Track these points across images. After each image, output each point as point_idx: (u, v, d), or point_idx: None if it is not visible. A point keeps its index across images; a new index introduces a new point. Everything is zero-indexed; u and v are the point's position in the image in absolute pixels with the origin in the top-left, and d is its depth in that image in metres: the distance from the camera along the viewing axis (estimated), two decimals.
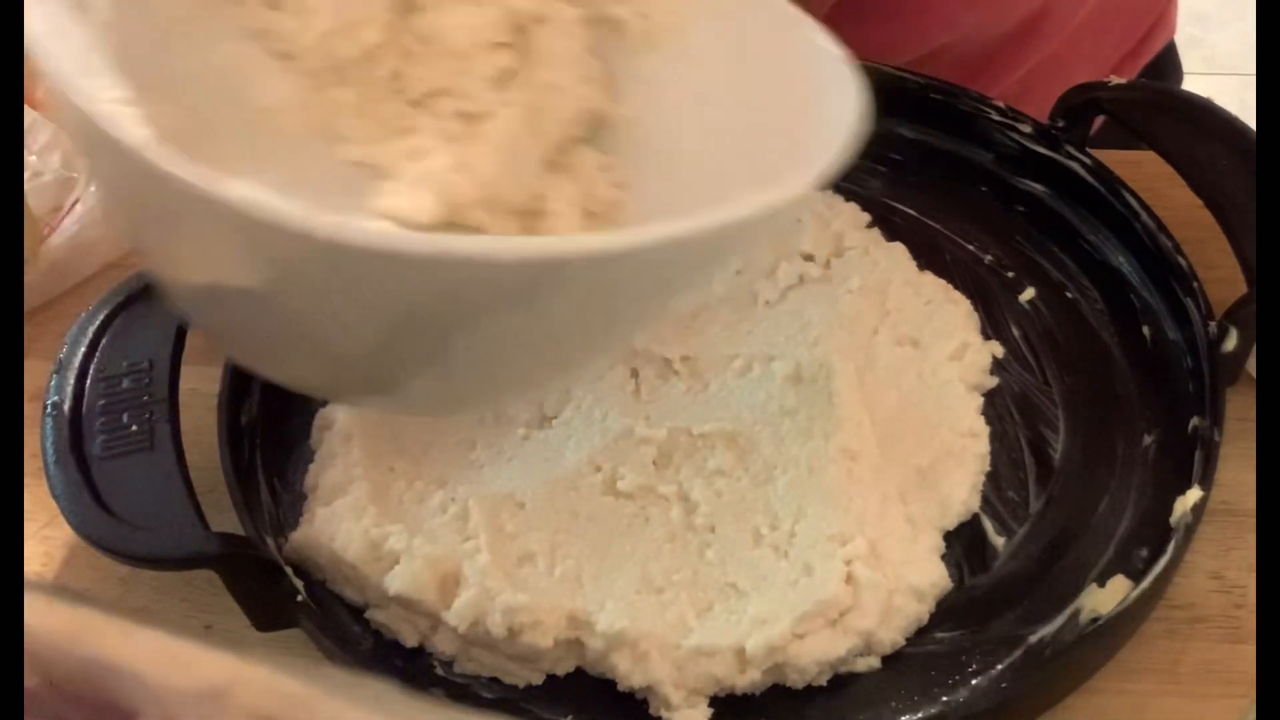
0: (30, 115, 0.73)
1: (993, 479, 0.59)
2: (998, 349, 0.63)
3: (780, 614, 0.52)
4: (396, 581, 0.54)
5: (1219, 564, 0.56)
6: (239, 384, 0.61)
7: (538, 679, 0.54)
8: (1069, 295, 0.65)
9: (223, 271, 0.40)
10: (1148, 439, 0.60)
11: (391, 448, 0.59)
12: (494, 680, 0.54)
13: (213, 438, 0.58)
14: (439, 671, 0.55)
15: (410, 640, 0.55)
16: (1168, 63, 0.89)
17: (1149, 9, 0.85)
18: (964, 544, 0.57)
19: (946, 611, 0.55)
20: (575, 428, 0.59)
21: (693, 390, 0.60)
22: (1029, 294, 0.66)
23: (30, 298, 0.67)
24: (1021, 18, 0.79)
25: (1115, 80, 0.66)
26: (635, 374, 0.61)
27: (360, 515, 0.56)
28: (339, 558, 0.55)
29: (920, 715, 0.51)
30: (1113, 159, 0.66)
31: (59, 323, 0.61)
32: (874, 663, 0.53)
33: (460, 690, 0.54)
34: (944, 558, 0.56)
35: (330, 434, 0.60)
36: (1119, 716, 0.52)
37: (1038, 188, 0.67)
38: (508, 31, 0.50)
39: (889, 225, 0.67)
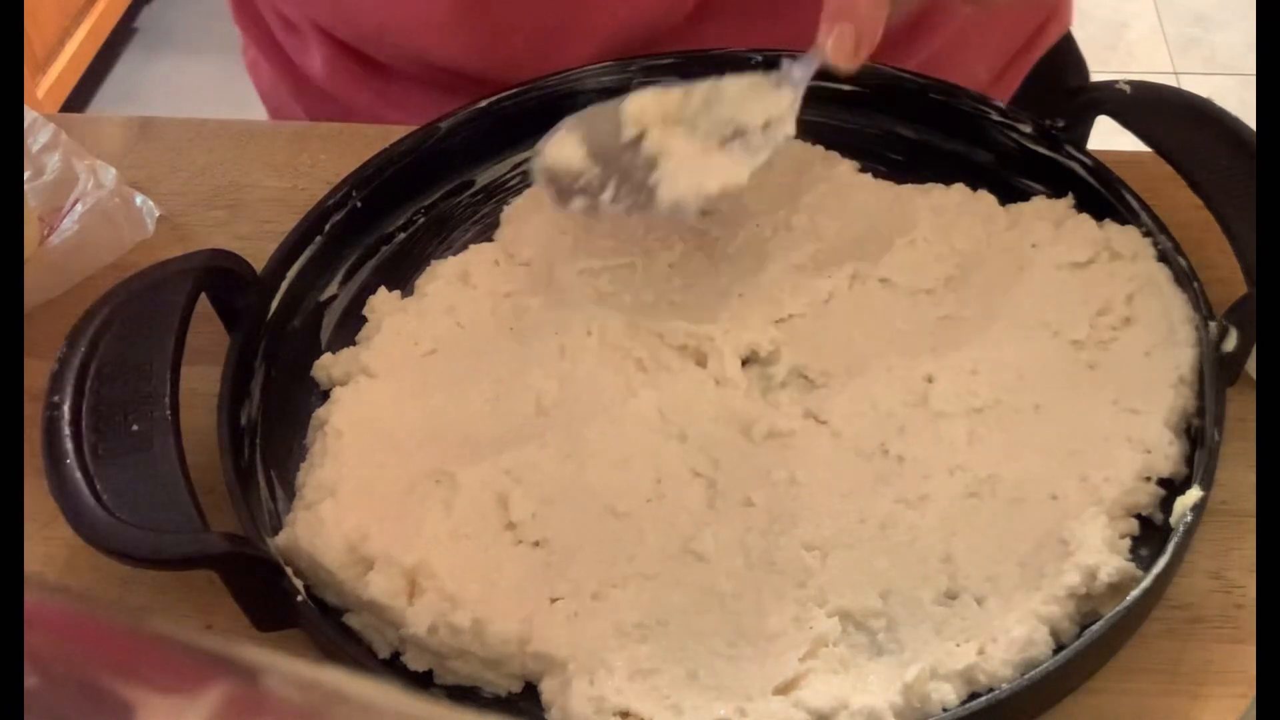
0: (30, 115, 0.73)
1: None
2: None
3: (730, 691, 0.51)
4: (370, 587, 0.54)
5: (1219, 564, 0.56)
6: (239, 384, 0.61)
7: (516, 686, 0.53)
8: None
9: None
10: None
11: (384, 443, 0.59)
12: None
13: (213, 438, 0.58)
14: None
15: (382, 652, 0.54)
16: (1067, 55, 0.89)
17: (1039, 4, 0.86)
18: None
19: None
20: (576, 425, 0.59)
21: (693, 384, 0.61)
22: None
23: (30, 298, 0.67)
24: (903, 15, 0.80)
25: (1118, 82, 0.66)
26: (642, 364, 0.61)
27: (340, 519, 0.56)
28: (317, 562, 0.55)
29: (919, 716, 0.51)
30: (1113, 159, 0.66)
31: (59, 323, 0.61)
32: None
33: (461, 690, 0.54)
34: None
35: (323, 432, 0.60)
36: (1119, 716, 0.52)
37: (1038, 188, 0.67)
38: None
39: None
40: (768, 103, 0.62)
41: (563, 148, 0.62)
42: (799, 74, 0.62)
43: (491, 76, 0.73)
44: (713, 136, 0.62)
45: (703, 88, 0.63)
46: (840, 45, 0.59)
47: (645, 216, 0.63)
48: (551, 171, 0.62)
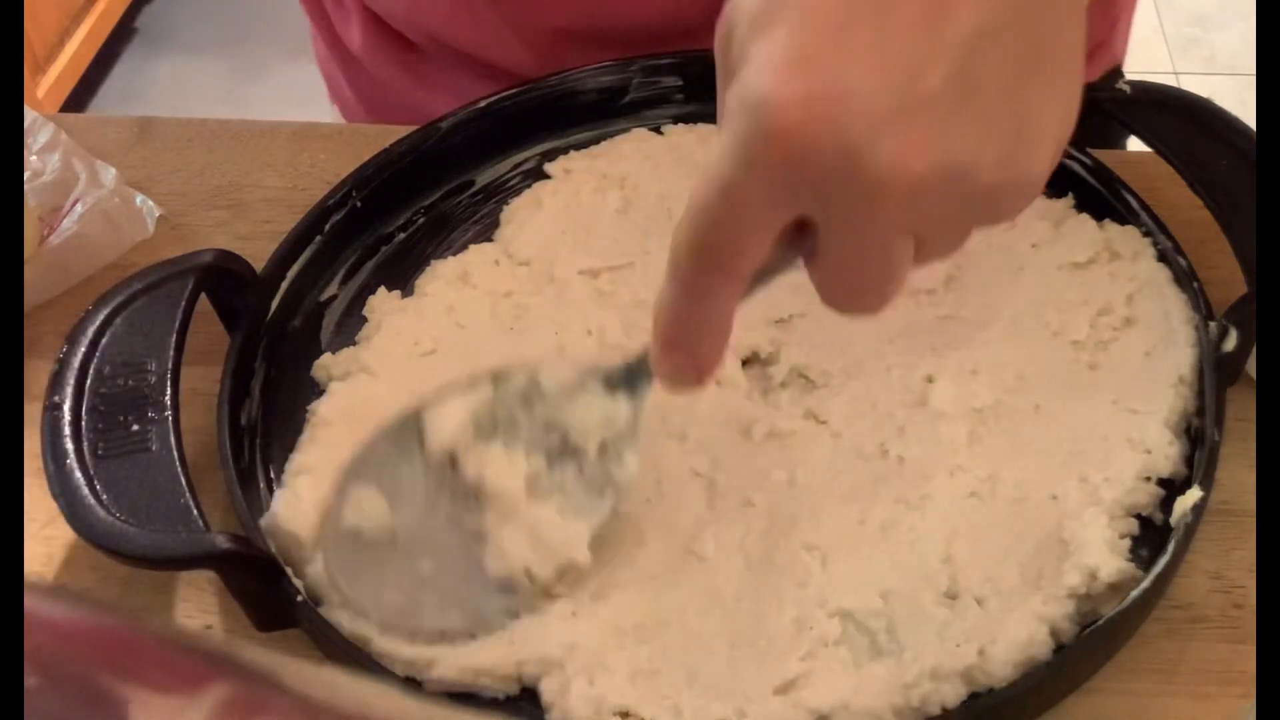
0: (30, 115, 0.73)
1: None
2: None
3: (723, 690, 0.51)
4: None
5: (1219, 564, 0.55)
6: (239, 384, 0.61)
7: (514, 689, 0.53)
8: None
9: None
10: None
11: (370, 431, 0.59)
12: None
13: (213, 438, 0.58)
14: None
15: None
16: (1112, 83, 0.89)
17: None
18: None
19: None
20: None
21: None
22: None
23: (30, 298, 0.67)
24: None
25: (1118, 82, 0.66)
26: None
27: (316, 494, 0.56)
28: (298, 540, 0.55)
29: (919, 716, 0.51)
30: (1113, 159, 0.66)
31: (59, 323, 0.61)
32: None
33: (461, 690, 0.54)
34: None
35: (312, 423, 0.60)
36: (1119, 716, 0.52)
37: None
38: None
39: None
40: (600, 413, 0.52)
41: (361, 509, 0.52)
42: (637, 387, 0.52)
43: (519, 71, 0.73)
44: (537, 451, 0.52)
45: (518, 385, 0.53)
46: (675, 377, 0.47)
47: (456, 625, 0.52)
48: (342, 544, 0.51)
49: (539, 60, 0.74)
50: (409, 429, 0.54)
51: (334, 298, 0.67)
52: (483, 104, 0.71)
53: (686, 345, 0.46)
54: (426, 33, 0.80)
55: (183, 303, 0.60)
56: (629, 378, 0.53)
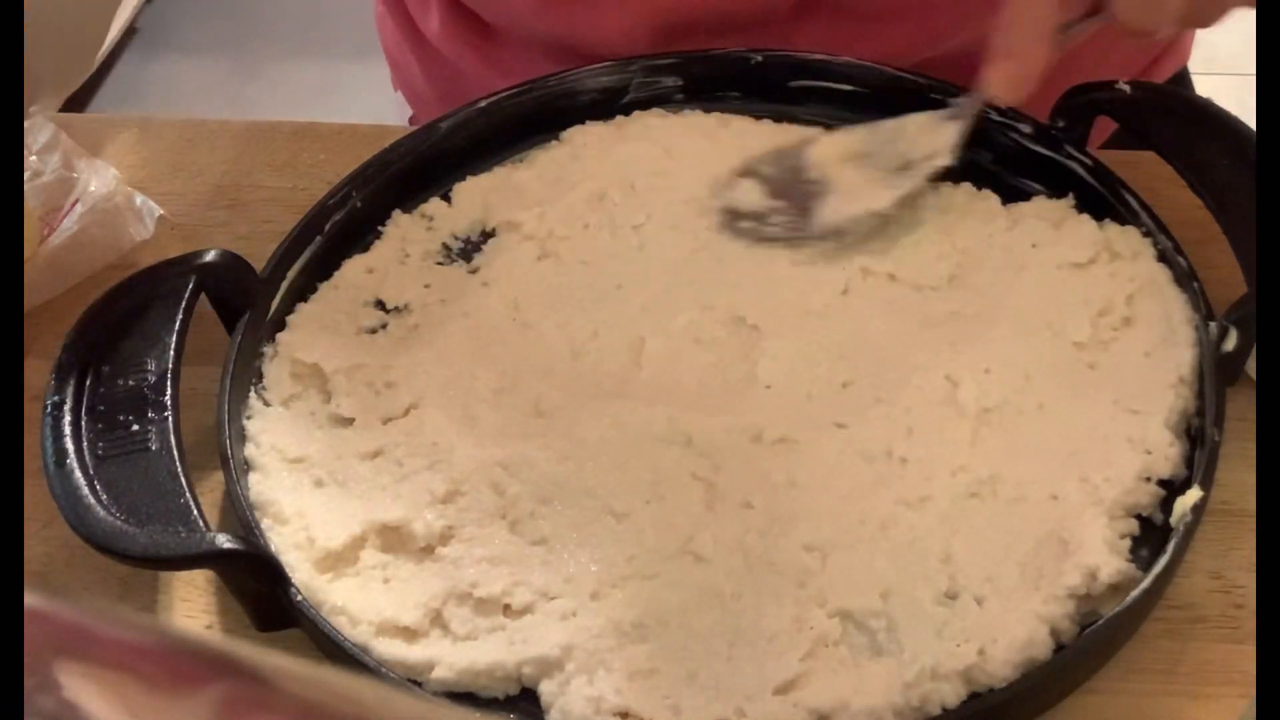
0: (30, 115, 0.73)
1: None
2: None
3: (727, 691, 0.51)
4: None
5: (1219, 564, 0.56)
6: (239, 384, 0.61)
7: (513, 689, 0.53)
8: None
9: None
10: None
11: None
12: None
13: (213, 438, 0.58)
14: None
15: None
16: (1179, 85, 0.88)
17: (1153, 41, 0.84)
18: None
19: None
20: (578, 425, 0.59)
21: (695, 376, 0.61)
22: None
23: (30, 298, 0.67)
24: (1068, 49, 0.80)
25: (1118, 82, 0.66)
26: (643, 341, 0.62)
27: (291, 470, 0.57)
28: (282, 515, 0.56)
29: (919, 716, 0.51)
30: (1113, 159, 0.66)
31: (59, 323, 0.61)
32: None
33: (460, 691, 0.54)
34: None
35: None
36: (1119, 716, 0.52)
37: (1038, 188, 0.67)
38: None
39: None
40: (935, 137, 0.66)
41: (746, 193, 0.67)
42: (963, 110, 0.66)
43: (600, 53, 0.73)
44: (883, 169, 0.66)
45: (888, 126, 0.67)
46: (1002, 81, 0.62)
47: (801, 239, 0.65)
48: (732, 210, 0.67)
49: (624, 47, 0.74)
50: (790, 153, 0.68)
51: None
52: (483, 104, 0.71)
53: (1012, 51, 0.61)
54: (511, 16, 0.80)
55: (183, 303, 0.60)
56: (960, 106, 0.66)
